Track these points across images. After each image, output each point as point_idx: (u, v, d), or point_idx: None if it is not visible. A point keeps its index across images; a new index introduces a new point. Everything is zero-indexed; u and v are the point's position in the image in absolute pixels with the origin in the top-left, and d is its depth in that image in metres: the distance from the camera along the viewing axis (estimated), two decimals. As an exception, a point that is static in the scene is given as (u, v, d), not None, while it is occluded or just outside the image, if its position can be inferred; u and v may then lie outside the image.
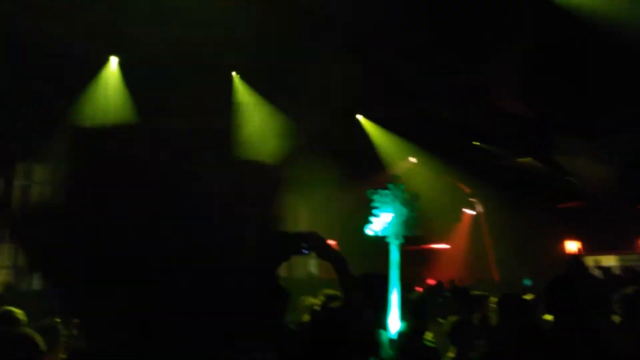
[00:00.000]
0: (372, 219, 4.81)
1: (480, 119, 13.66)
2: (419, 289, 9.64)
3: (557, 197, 15.46)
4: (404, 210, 4.74)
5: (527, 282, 11.13)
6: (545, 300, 3.68)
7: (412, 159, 16.66)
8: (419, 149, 15.44)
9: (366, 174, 14.26)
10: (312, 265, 13.53)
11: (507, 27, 10.43)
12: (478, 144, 15.50)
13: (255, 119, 13.24)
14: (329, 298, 3.81)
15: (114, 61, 12.18)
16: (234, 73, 13.13)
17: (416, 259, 15.19)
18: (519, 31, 10.36)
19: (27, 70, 10.87)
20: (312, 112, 12.80)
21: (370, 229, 4.81)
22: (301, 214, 14.95)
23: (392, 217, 4.73)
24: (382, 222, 4.74)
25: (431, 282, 9.95)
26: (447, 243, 17.03)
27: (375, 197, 4.88)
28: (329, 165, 13.89)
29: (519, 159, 15.24)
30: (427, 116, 13.61)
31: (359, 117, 15.42)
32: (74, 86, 11.87)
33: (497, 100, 12.65)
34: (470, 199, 17.45)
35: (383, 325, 2.66)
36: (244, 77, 13.09)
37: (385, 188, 4.86)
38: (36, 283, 12.76)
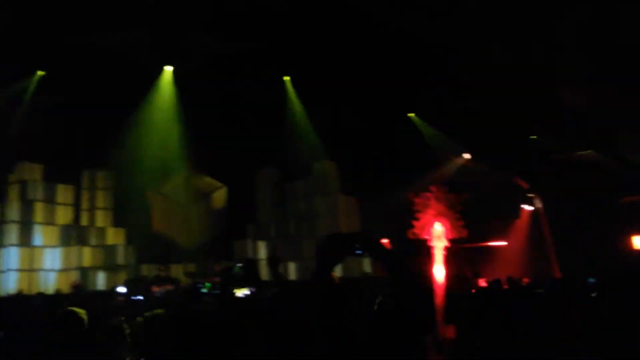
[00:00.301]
0: (413, 222, 4.74)
1: (539, 112, 13.30)
2: (481, 284, 9.42)
3: (621, 191, 14.84)
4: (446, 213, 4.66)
5: (592, 279, 10.70)
6: (612, 296, 3.57)
7: (467, 155, 16.35)
8: (473, 144, 15.18)
9: (419, 172, 14.11)
10: (366, 264, 13.52)
11: (565, 16, 10.13)
12: (536, 137, 15.06)
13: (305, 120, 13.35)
14: (384, 298, 3.82)
15: (168, 70, 12.53)
16: (287, 78, 13.26)
17: (473, 257, 14.88)
18: (577, 19, 10.04)
19: (88, 80, 11.34)
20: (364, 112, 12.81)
21: (413, 233, 4.74)
22: (354, 214, 14.94)
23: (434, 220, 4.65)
24: (423, 226, 4.66)
25: (482, 282, 9.66)
26: (505, 240, 16.61)
27: (416, 200, 4.80)
28: (381, 164, 13.84)
29: (580, 152, 14.74)
30: (482, 111, 13.36)
31: (411, 115, 15.30)
32: (132, 95, 12.30)
33: (557, 92, 12.29)
34: (529, 195, 16.96)
35: (430, 324, 2.66)
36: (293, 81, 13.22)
37: (428, 190, 4.78)
38: (101, 283, 13.33)
